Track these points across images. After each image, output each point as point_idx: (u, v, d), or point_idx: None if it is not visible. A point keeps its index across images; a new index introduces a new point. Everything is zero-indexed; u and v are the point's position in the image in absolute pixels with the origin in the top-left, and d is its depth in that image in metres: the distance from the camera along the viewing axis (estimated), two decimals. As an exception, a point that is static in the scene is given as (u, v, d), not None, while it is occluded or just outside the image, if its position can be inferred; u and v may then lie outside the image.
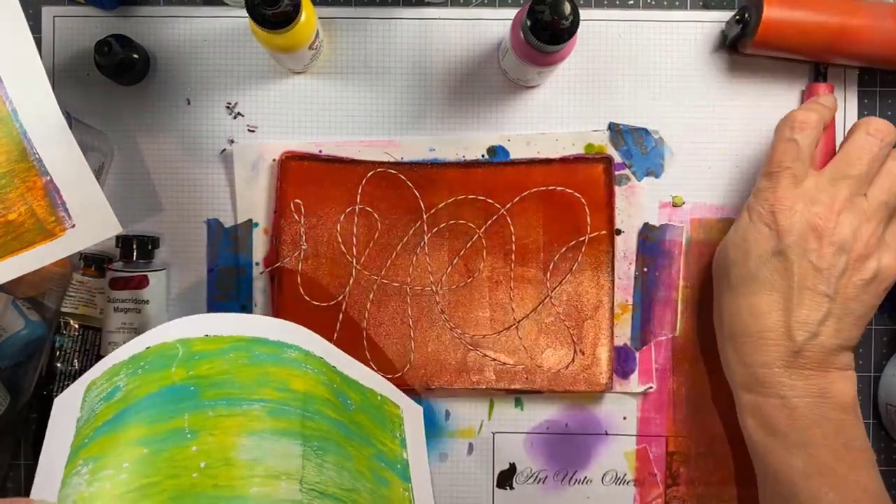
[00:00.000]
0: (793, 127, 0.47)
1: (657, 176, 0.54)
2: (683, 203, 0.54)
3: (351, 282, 0.52)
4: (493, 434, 0.54)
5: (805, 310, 0.45)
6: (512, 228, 0.53)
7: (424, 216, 0.53)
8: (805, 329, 0.45)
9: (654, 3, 0.54)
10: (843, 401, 0.45)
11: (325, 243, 0.53)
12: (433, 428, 0.54)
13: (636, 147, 0.53)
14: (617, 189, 0.53)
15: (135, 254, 0.52)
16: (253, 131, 0.53)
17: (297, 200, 0.52)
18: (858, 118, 0.54)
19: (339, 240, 0.53)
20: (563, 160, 0.53)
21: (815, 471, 0.44)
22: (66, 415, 0.42)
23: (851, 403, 0.46)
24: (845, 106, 0.54)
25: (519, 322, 0.53)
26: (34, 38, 0.45)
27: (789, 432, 0.45)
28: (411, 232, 0.53)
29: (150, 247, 0.52)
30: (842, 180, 0.46)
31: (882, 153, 0.46)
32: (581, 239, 0.53)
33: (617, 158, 0.53)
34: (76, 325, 0.53)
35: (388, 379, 0.50)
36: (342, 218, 0.53)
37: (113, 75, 0.51)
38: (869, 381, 0.55)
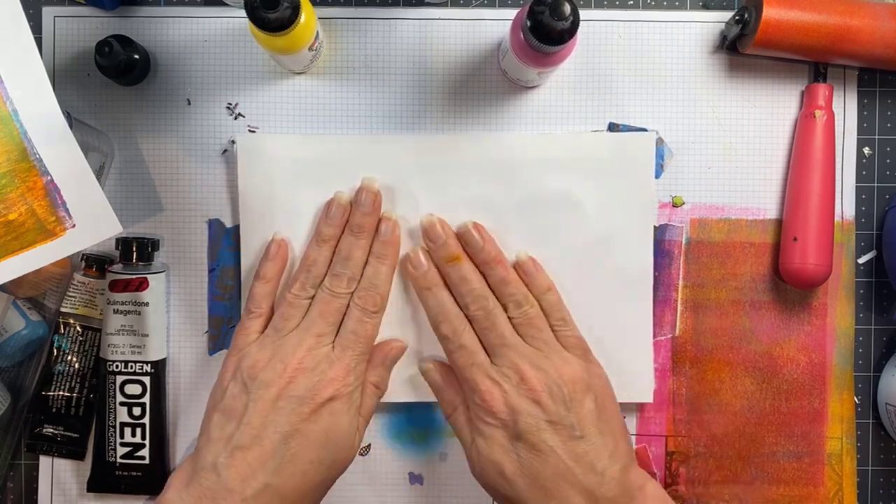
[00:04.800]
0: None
1: (657, 176, 0.54)
2: (683, 203, 0.54)
3: None
4: (494, 434, 0.54)
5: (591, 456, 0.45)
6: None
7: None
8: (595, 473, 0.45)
9: (654, 3, 0.54)
10: None
11: None
12: (433, 427, 0.54)
13: (636, 147, 0.53)
14: (617, 189, 0.53)
15: (134, 256, 0.52)
16: (254, 132, 0.53)
17: None
18: (858, 118, 0.54)
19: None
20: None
21: None
22: None
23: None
24: (845, 106, 0.54)
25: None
26: (35, 38, 0.45)
27: None
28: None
29: (149, 249, 0.52)
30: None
31: None
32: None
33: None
34: (77, 326, 0.53)
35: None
36: None
37: (114, 76, 0.51)
38: (869, 381, 0.55)
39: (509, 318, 0.49)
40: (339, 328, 0.49)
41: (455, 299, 0.50)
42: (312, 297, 0.49)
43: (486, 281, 0.50)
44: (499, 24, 0.53)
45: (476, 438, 0.47)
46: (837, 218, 0.54)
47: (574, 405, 0.46)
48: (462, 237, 0.50)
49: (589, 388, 0.47)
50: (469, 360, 0.48)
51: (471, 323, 0.49)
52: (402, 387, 0.52)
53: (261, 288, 0.50)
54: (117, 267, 0.52)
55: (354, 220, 0.50)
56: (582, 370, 0.47)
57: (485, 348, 0.48)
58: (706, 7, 0.54)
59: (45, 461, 0.54)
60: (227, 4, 0.53)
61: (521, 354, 0.47)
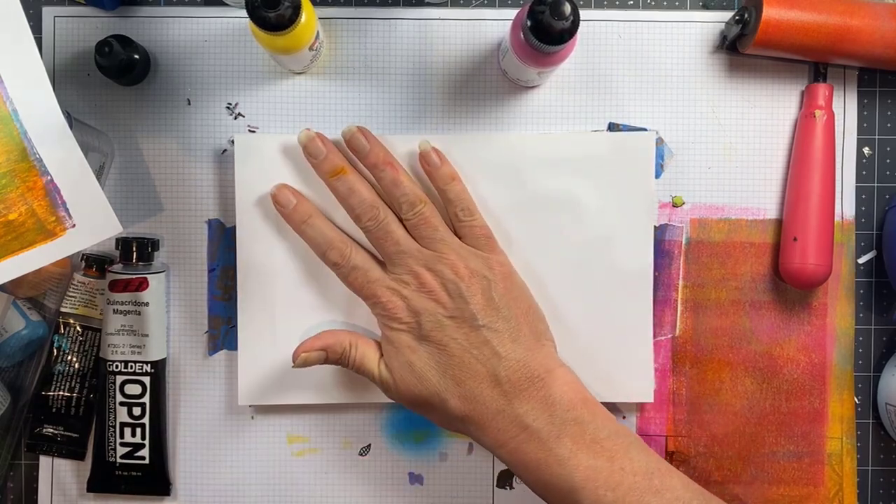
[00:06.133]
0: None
1: (657, 176, 0.54)
2: (683, 203, 0.54)
3: None
4: (494, 434, 0.54)
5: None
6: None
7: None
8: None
9: (653, 3, 0.54)
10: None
11: None
12: (433, 428, 0.54)
13: (636, 147, 0.53)
14: (617, 189, 0.53)
15: (134, 256, 0.52)
16: (254, 132, 0.53)
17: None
18: (858, 118, 0.54)
19: None
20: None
21: (583, 476, 0.43)
22: None
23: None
24: (845, 106, 0.54)
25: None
26: (35, 38, 0.45)
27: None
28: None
29: (149, 249, 0.52)
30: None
31: None
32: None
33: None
34: (77, 326, 0.53)
35: None
36: None
37: (114, 75, 0.51)
38: (869, 381, 0.55)
39: (403, 220, 0.49)
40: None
41: (341, 219, 0.50)
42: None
43: (379, 185, 0.49)
44: (499, 24, 0.53)
45: (385, 347, 0.48)
46: (837, 218, 0.54)
47: (472, 297, 0.46)
48: (348, 143, 0.50)
49: (486, 279, 0.47)
50: (365, 279, 0.48)
51: (367, 235, 0.49)
52: None
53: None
54: (117, 267, 0.52)
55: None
56: (479, 262, 0.48)
57: (382, 260, 0.49)
58: (706, 7, 0.54)
59: (45, 461, 0.54)
60: (227, 4, 0.53)
61: (417, 259, 0.48)
